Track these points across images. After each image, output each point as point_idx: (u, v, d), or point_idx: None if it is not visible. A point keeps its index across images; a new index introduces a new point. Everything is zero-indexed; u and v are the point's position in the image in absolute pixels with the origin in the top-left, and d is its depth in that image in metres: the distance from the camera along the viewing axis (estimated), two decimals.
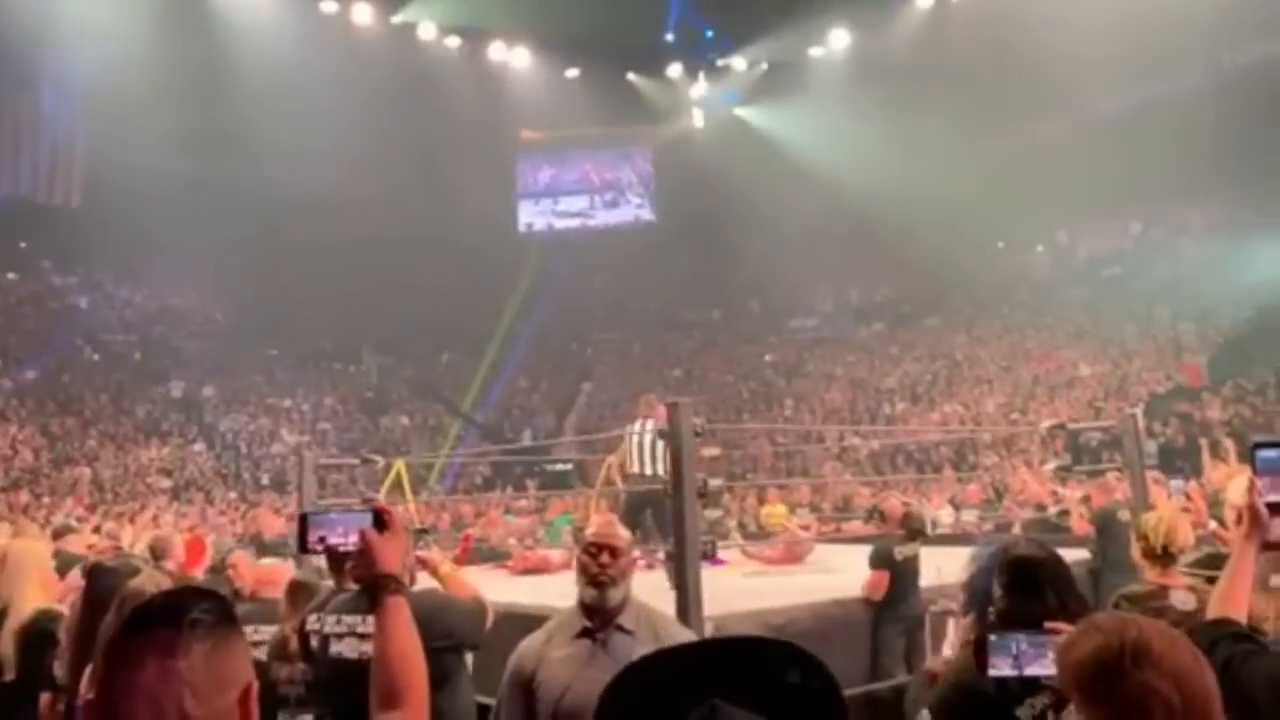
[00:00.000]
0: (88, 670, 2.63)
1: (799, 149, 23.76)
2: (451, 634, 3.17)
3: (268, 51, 20.43)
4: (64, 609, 3.69)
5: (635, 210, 29.32)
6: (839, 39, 24.49)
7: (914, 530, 5.74)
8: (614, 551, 2.78)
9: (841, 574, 5.96)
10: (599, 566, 2.75)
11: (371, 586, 1.62)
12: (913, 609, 5.27)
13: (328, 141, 21.50)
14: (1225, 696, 1.37)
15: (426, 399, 25.45)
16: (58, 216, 22.86)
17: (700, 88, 27.36)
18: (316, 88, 20.84)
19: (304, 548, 1.79)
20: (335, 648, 3.17)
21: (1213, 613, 2.03)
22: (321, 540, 1.74)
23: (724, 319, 27.40)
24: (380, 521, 1.68)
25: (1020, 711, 2.15)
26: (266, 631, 3.75)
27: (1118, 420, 6.82)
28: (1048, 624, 2.04)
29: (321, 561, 4.43)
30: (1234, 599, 2.01)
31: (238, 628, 1.26)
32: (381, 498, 7.76)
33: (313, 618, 3.34)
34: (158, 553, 5.55)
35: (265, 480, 20.31)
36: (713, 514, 9.96)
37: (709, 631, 3.97)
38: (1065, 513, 8.15)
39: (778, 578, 6.36)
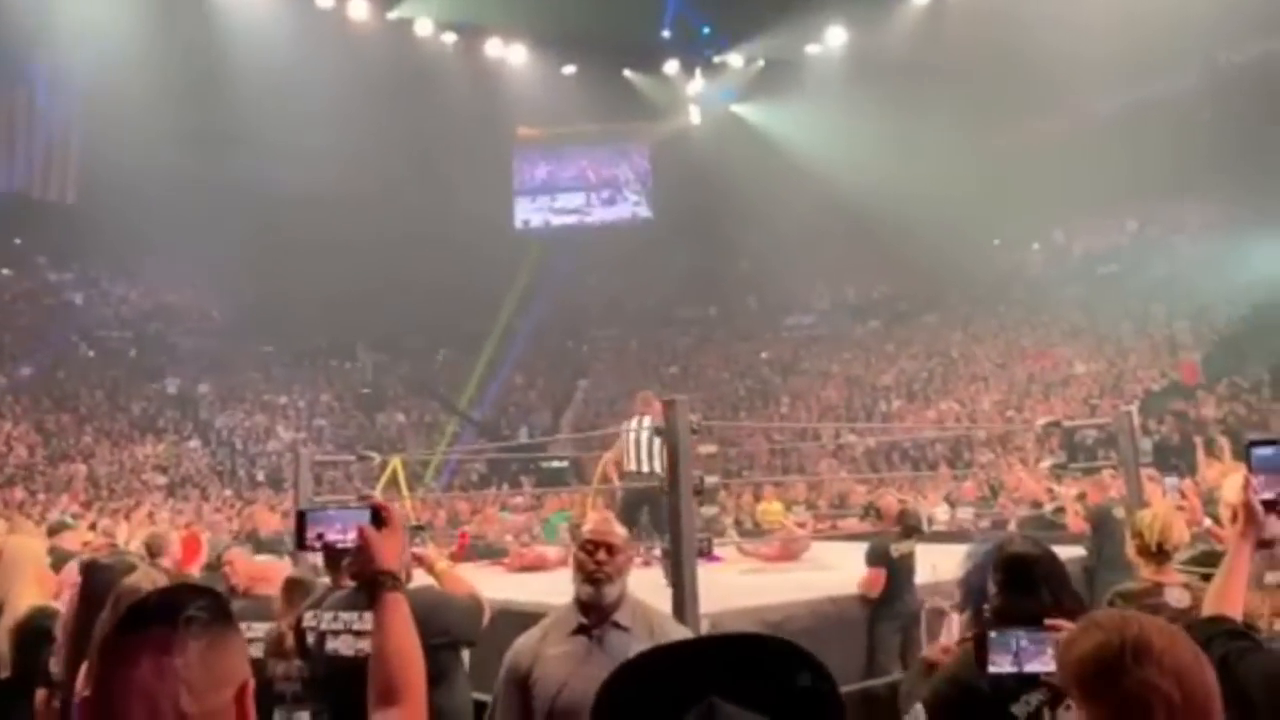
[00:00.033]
0: (83, 667, 2.62)
1: (796, 146, 23.76)
2: (448, 631, 3.17)
3: (264, 47, 20.37)
4: (60, 606, 3.68)
5: (632, 207, 29.32)
6: (836, 36, 24.49)
7: (910, 527, 5.74)
8: (610, 548, 2.78)
9: (837, 571, 5.96)
10: (595, 563, 2.76)
11: (370, 583, 1.62)
12: (908, 606, 5.28)
13: (324, 138, 21.48)
14: (1222, 693, 1.37)
15: (422, 396, 25.44)
16: (53, 212, 22.82)
17: (697, 85, 27.34)
18: (312, 84, 20.80)
19: (302, 544, 1.79)
20: (331, 644, 3.17)
21: (1208, 610, 2.04)
22: (320, 537, 1.73)
23: (720, 316, 27.40)
24: (379, 518, 1.68)
25: (1016, 708, 2.15)
26: (260, 629, 3.75)
27: (1113, 418, 6.84)
28: (1048, 621, 2.05)
29: (318, 559, 4.44)
30: (1229, 596, 2.02)
31: (234, 625, 1.26)
32: (378, 494, 7.76)
33: (309, 614, 3.34)
34: (153, 550, 5.53)
35: (261, 477, 20.30)
36: (709, 511, 9.94)
37: (705, 628, 3.98)
38: (1060, 510, 8.18)
39: (774, 575, 6.36)
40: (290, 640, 3.53)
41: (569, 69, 25.69)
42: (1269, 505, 2.05)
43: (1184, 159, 18.42)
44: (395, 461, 9.09)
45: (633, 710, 0.91)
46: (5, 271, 24.12)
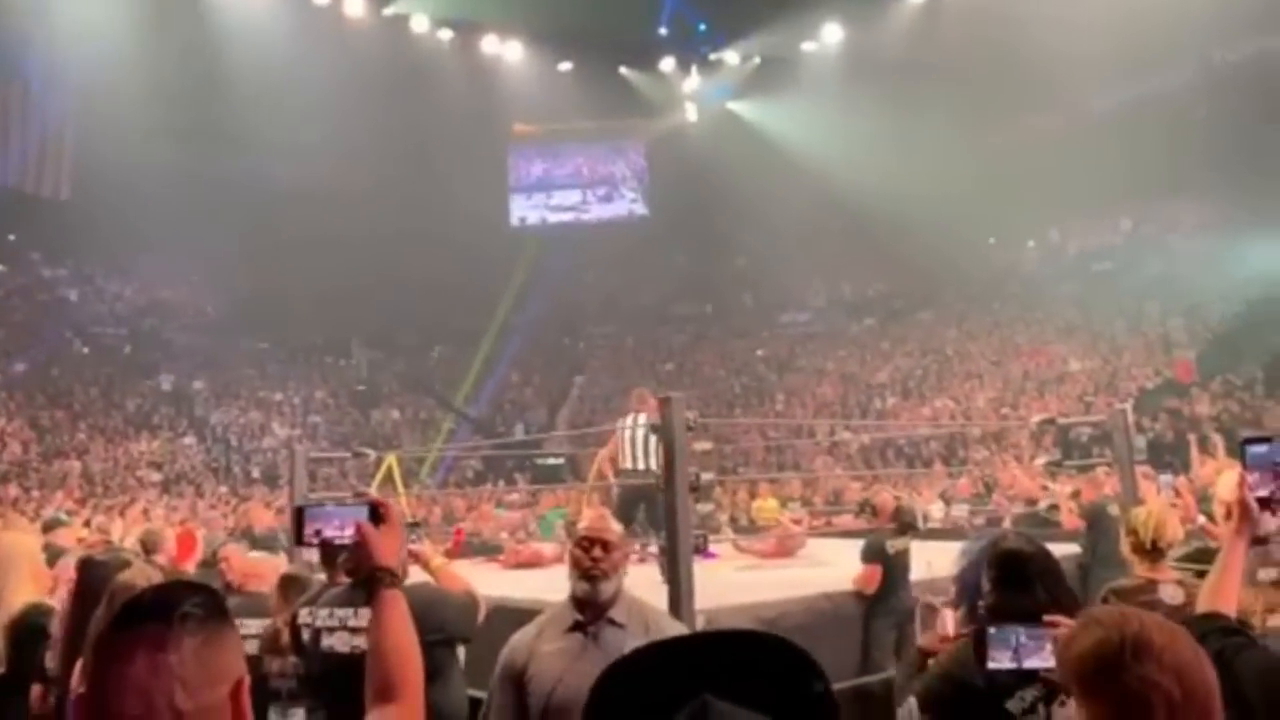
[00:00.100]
0: (79, 664, 2.62)
1: (791, 144, 23.77)
2: (444, 628, 3.17)
3: (259, 43, 20.31)
4: (55, 602, 3.67)
5: (629, 205, 29.30)
6: (832, 33, 24.49)
7: (905, 524, 5.75)
8: (606, 545, 2.78)
9: (833, 568, 5.98)
10: (591, 560, 2.76)
11: (368, 580, 1.62)
12: (903, 603, 5.29)
13: (319, 134, 21.41)
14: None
15: (418, 393, 25.42)
16: (47, 208, 22.72)
17: (693, 82, 27.30)
18: (308, 80, 20.74)
19: (300, 540, 1.79)
20: (327, 641, 3.17)
21: (1203, 606, 2.04)
22: (318, 533, 1.73)
23: (716, 313, 27.41)
24: (377, 515, 1.68)
25: (1011, 704, 2.16)
26: (254, 625, 3.74)
27: (1107, 415, 6.85)
28: (1046, 617, 2.05)
29: (313, 555, 4.43)
30: (1224, 593, 2.03)
31: (230, 621, 1.26)
32: (373, 491, 7.76)
33: (304, 611, 3.34)
34: (149, 546, 5.52)
35: (256, 474, 20.25)
36: (704, 508, 9.95)
37: (700, 625, 3.98)
38: (1055, 507, 8.19)
39: (769, 571, 6.37)
40: (286, 637, 3.53)
41: (565, 66, 25.65)
42: (1263, 502, 2.06)
43: (1179, 157, 18.46)
44: (390, 458, 9.08)
45: (625, 707, 0.91)
46: None
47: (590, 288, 28.27)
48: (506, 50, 25.45)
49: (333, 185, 22.75)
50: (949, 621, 2.72)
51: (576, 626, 2.75)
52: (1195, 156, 18.48)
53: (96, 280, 25.55)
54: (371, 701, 1.53)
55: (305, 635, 3.28)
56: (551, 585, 4.04)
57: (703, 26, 26.05)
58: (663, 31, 25.87)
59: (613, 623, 2.74)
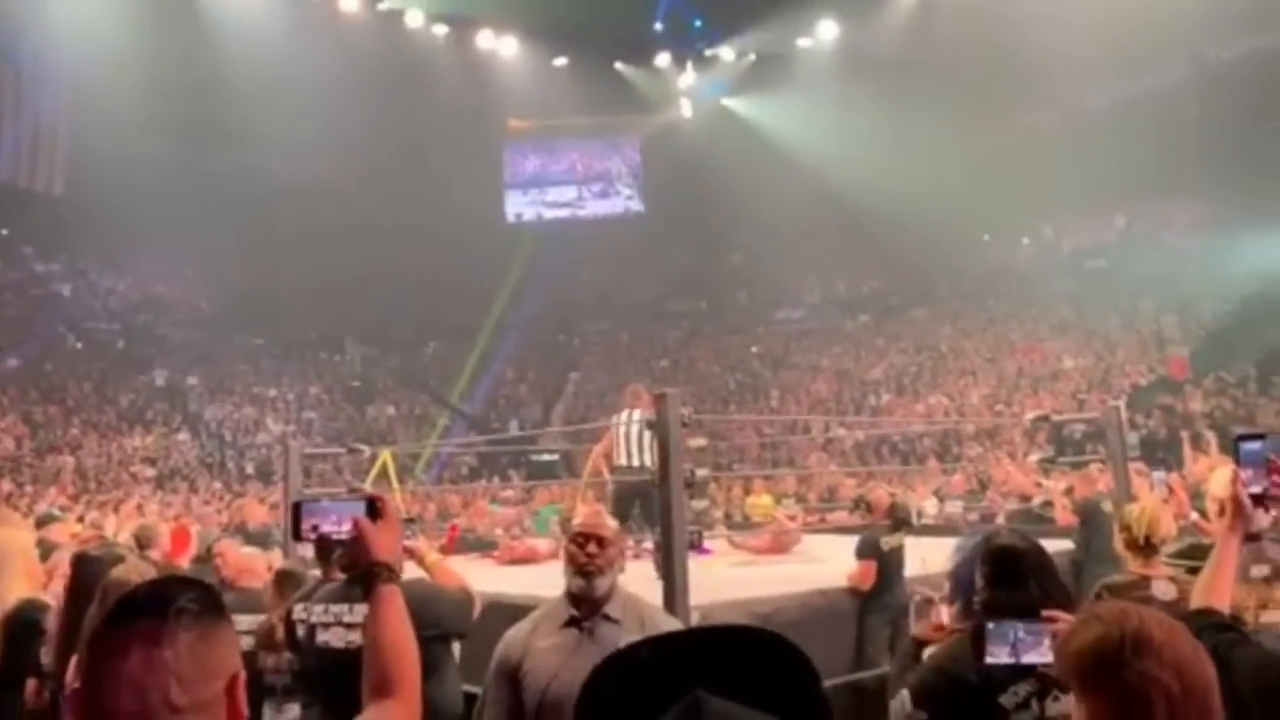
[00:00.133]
0: (74, 659, 2.62)
1: (787, 140, 23.77)
2: (439, 623, 3.18)
3: (254, 38, 20.24)
4: (49, 598, 3.67)
5: (625, 201, 29.27)
6: (827, 30, 24.49)
7: (900, 521, 5.76)
8: (601, 541, 2.78)
9: (827, 564, 5.98)
10: (586, 556, 2.76)
11: (365, 575, 1.62)
12: (898, 599, 5.29)
13: (314, 129, 21.36)
14: None
15: (412, 389, 25.39)
16: (40, 203, 22.63)
17: (688, 78, 27.28)
18: (303, 75, 20.68)
19: (298, 535, 1.78)
20: (322, 637, 3.17)
21: (1196, 602, 2.05)
22: (315, 528, 1.73)
23: (711, 310, 27.41)
24: (375, 510, 1.68)
25: (1004, 699, 2.17)
26: (245, 621, 3.74)
27: (1101, 412, 6.87)
28: (1045, 612, 2.06)
29: (307, 551, 4.43)
30: (1217, 589, 2.03)
31: (226, 617, 1.25)
32: (368, 487, 7.75)
33: (299, 607, 3.34)
34: (143, 541, 5.51)
35: (250, 470, 20.21)
36: (698, 504, 9.98)
37: (695, 621, 3.98)
38: (1049, 504, 8.21)
39: (764, 568, 6.38)
40: (280, 633, 3.53)
41: (560, 61, 25.61)
42: (1256, 499, 2.07)
43: (1172, 155, 18.49)
44: (385, 454, 9.07)
45: (618, 703, 0.91)
46: None
47: (585, 284, 28.26)
48: (501, 45, 25.40)
49: (327, 180, 22.71)
50: (944, 616, 2.72)
51: (572, 622, 2.75)
52: (1189, 154, 18.51)
53: (90, 275, 25.46)
54: (369, 696, 1.53)
55: (300, 631, 3.28)
56: (546, 581, 4.05)
57: (698, 22, 26.03)
58: (658, 27, 25.85)
59: (608, 618, 2.74)
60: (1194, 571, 2.55)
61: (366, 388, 25.17)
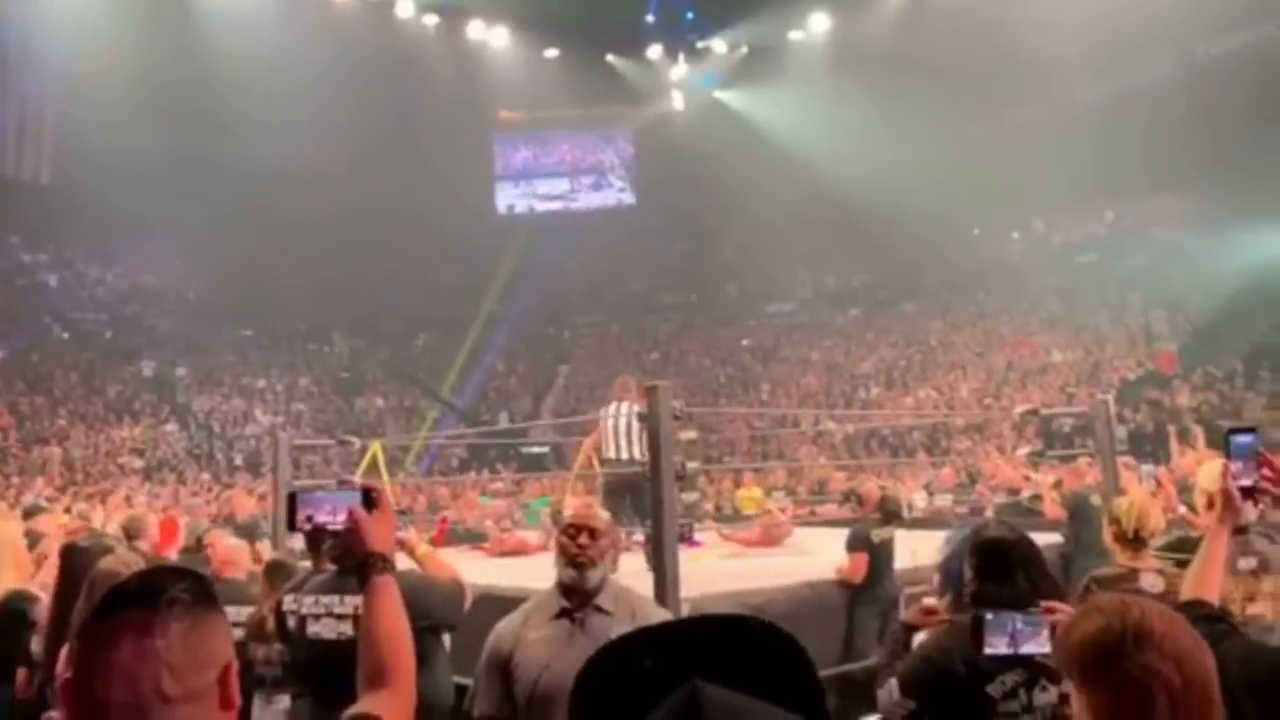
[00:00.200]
0: (64, 650, 2.61)
1: (778, 133, 23.78)
2: (430, 615, 3.17)
3: (244, 27, 20.13)
4: (38, 589, 3.66)
5: (618, 194, 29.22)
6: (819, 23, 24.50)
7: (890, 514, 5.77)
8: (593, 533, 2.78)
9: (817, 557, 5.99)
10: (578, 547, 2.76)
11: (360, 566, 1.61)
12: (888, 591, 5.32)
13: (303, 119, 21.23)
14: None
15: (401, 381, 25.33)
16: (26, 192, 22.44)
17: (680, 70, 27.25)
18: (293, 64, 20.55)
19: (292, 526, 1.78)
20: (313, 628, 3.16)
21: (1186, 594, 2.06)
22: (309, 519, 1.72)
23: (701, 303, 27.42)
24: (369, 500, 1.68)
25: (991, 688, 2.18)
26: (231, 613, 3.74)
27: (1090, 406, 6.89)
28: (1043, 604, 2.07)
29: (297, 542, 4.42)
30: (1207, 581, 2.05)
31: (218, 607, 1.25)
32: (358, 479, 7.72)
33: (289, 598, 3.33)
34: (131, 533, 5.49)
35: (239, 461, 20.14)
36: (689, 497, 9.99)
37: (686, 613, 3.99)
38: (1038, 497, 8.24)
39: (755, 560, 6.39)
40: (271, 624, 3.52)
41: (551, 52, 25.54)
42: (1246, 492, 2.08)
43: (1161, 150, 18.57)
44: (375, 446, 9.04)
45: (614, 693, 0.91)
46: None
47: (575, 276, 28.20)
48: (492, 36, 25.31)
49: (316, 171, 22.58)
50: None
51: (563, 613, 2.75)
52: (1177, 149, 18.60)
53: (77, 265, 25.29)
54: (363, 687, 1.53)
55: (291, 622, 3.28)
56: (536, 573, 4.04)
57: (690, 14, 26.00)
58: (650, 19, 25.80)
59: (599, 610, 2.74)
60: (1182, 564, 2.56)
61: (356, 379, 25.10)
